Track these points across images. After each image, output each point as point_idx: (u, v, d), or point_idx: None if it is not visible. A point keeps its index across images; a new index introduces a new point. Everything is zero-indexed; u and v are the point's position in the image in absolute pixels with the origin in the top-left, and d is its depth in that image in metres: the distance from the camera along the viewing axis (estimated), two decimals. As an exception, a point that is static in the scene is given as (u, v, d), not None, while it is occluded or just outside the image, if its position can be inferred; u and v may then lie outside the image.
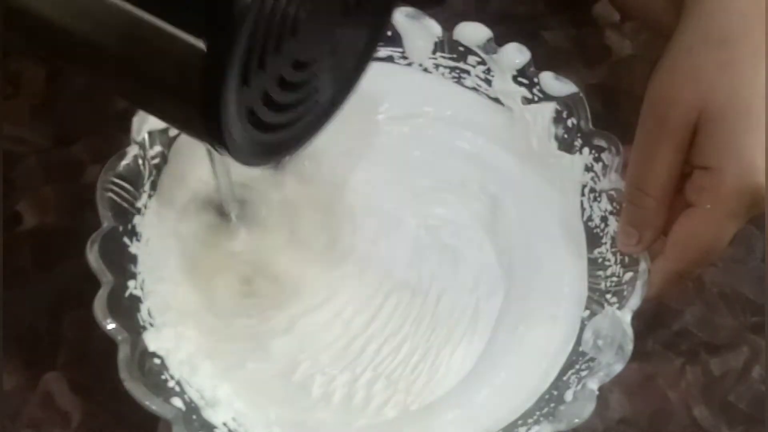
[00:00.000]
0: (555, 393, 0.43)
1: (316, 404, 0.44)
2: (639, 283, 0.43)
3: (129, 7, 0.26)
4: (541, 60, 0.49)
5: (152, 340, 0.43)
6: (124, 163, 0.45)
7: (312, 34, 0.29)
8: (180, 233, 0.47)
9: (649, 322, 0.49)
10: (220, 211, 0.47)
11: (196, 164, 0.48)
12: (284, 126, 0.31)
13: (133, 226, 0.45)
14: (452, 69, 0.51)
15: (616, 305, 0.44)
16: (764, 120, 0.39)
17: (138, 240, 0.46)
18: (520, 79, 0.49)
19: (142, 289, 0.45)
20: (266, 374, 0.45)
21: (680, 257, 0.42)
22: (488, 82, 0.50)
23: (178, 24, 0.25)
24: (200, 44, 0.25)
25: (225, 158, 0.35)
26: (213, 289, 0.46)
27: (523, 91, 0.49)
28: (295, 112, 0.31)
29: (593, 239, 0.47)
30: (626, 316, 0.42)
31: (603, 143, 0.47)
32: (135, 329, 0.42)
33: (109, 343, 0.40)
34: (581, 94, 0.48)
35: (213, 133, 0.27)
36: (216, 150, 0.29)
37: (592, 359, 0.43)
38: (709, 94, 0.40)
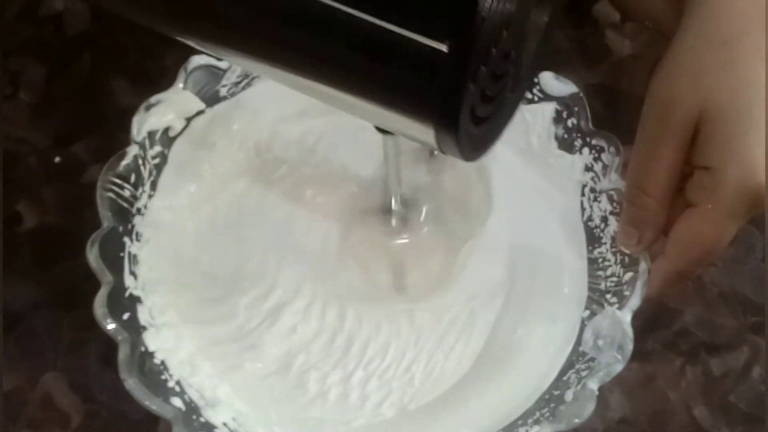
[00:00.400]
0: (555, 393, 0.43)
1: (313, 401, 0.44)
2: (639, 283, 0.43)
3: (354, 12, 0.26)
4: (541, 59, 0.48)
5: (152, 340, 0.43)
6: (124, 163, 0.45)
7: (518, 25, 0.29)
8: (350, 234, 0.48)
9: (649, 322, 0.49)
10: (384, 210, 0.47)
11: (197, 164, 0.49)
12: (491, 116, 0.30)
13: (133, 226, 0.45)
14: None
15: (616, 305, 0.44)
16: (765, 120, 0.39)
17: (138, 240, 0.46)
18: (520, 79, 0.49)
19: (142, 289, 0.45)
20: (263, 372, 0.45)
21: (680, 257, 0.42)
22: (488, 82, 0.50)
23: (420, 30, 0.25)
24: (443, 47, 0.25)
25: (397, 161, 0.38)
26: (371, 273, 0.47)
27: (523, 91, 0.49)
28: (499, 102, 0.31)
29: (593, 239, 0.47)
30: (626, 316, 0.42)
31: (603, 143, 0.47)
32: (135, 329, 0.42)
33: (109, 344, 0.41)
34: (581, 94, 0.48)
35: (450, 137, 0.27)
36: (443, 150, 0.29)
37: (592, 359, 0.43)
38: (710, 94, 0.40)
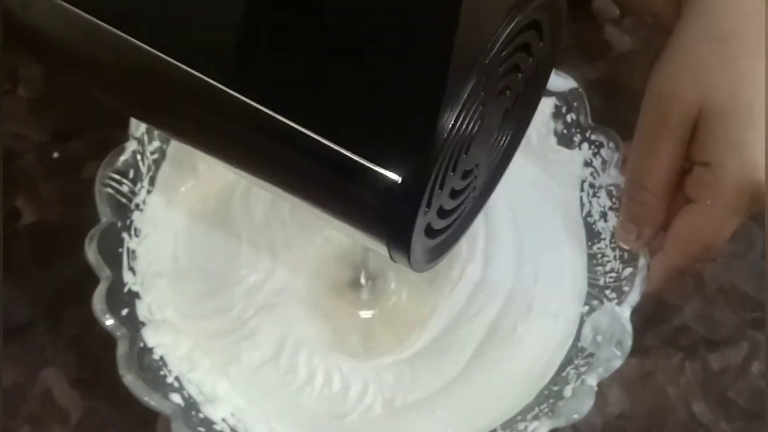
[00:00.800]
0: (554, 389, 0.43)
1: (303, 388, 0.44)
2: (638, 279, 0.43)
3: (318, 139, 0.26)
4: (541, 55, 0.49)
5: (151, 336, 0.43)
6: (122, 158, 0.45)
7: (478, 145, 0.29)
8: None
9: (648, 318, 0.49)
10: (356, 276, 0.48)
11: (195, 159, 0.48)
12: (448, 228, 0.31)
13: (132, 222, 0.45)
14: (451, 64, 0.51)
15: (615, 301, 0.44)
16: (764, 115, 0.39)
17: (137, 236, 0.46)
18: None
19: (141, 284, 0.45)
20: (259, 361, 0.45)
21: (680, 253, 0.42)
22: (487, 77, 0.50)
23: (373, 159, 0.26)
24: (396, 177, 0.26)
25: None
26: (339, 335, 0.47)
27: (523, 87, 0.49)
28: (457, 214, 0.32)
29: (592, 234, 0.47)
30: (625, 312, 0.42)
31: (602, 139, 0.47)
32: (134, 325, 0.43)
33: (108, 340, 0.41)
34: (580, 90, 0.47)
35: (401, 254, 0.28)
36: (395, 261, 0.29)
37: (591, 355, 0.43)
38: (710, 90, 0.40)
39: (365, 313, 0.48)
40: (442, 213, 0.30)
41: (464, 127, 0.26)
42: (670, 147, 0.41)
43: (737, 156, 0.39)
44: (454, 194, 0.30)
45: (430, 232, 0.29)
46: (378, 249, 0.29)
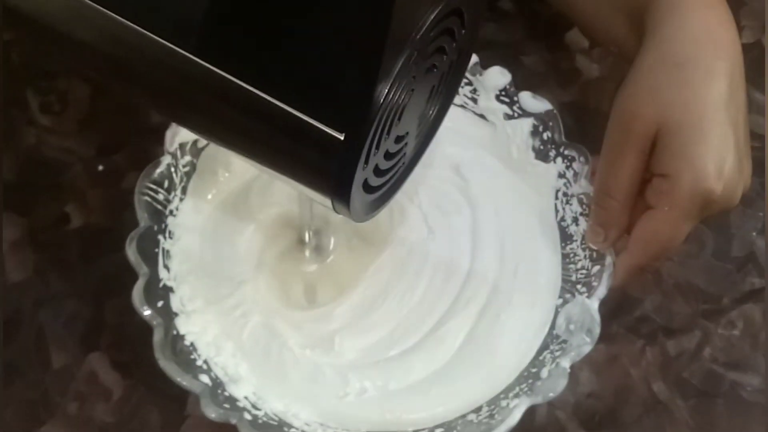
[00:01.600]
0: (532, 371, 0.43)
1: (290, 371, 0.44)
2: (605, 275, 0.43)
3: (272, 101, 0.26)
4: (520, 81, 0.49)
5: (183, 325, 0.43)
6: (158, 170, 0.45)
7: (409, 114, 0.30)
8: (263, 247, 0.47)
9: (613, 309, 0.49)
10: (300, 235, 0.47)
11: (218, 171, 0.48)
12: (383, 186, 0.32)
13: (166, 225, 0.45)
14: (443, 89, 0.51)
15: (586, 294, 0.44)
16: (714, 132, 0.39)
17: (171, 237, 0.46)
18: (502, 97, 0.49)
19: (174, 280, 0.45)
20: (271, 347, 0.45)
21: (642, 253, 0.42)
22: (474, 100, 0.50)
23: (320, 119, 0.26)
24: (338, 135, 0.26)
25: (312, 202, 0.38)
26: (286, 290, 0.47)
27: (505, 108, 0.49)
28: (391, 174, 0.32)
29: (566, 237, 0.47)
30: (594, 304, 0.42)
31: (574, 154, 0.47)
32: (168, 315, 0.43)
33: (145, 328, 0.41)
34: (555, 111, 0.48)
35: (342, 205, 0.29)
36: (337, 212, 0.30)
37: (564, 341, 0.43)
38: (666, 109, 0.40)
39: (308, 267, 0.48)
40: (378, 172, 0.30)
41: (398, 94, 0.27)
42: (632, 160, 0.41)
43: (690, 168, 0.39)
44: (388, 156, 0.30)
45: (367, 188, 0.30)
46: (323, 202, 0.29)
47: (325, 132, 0.26)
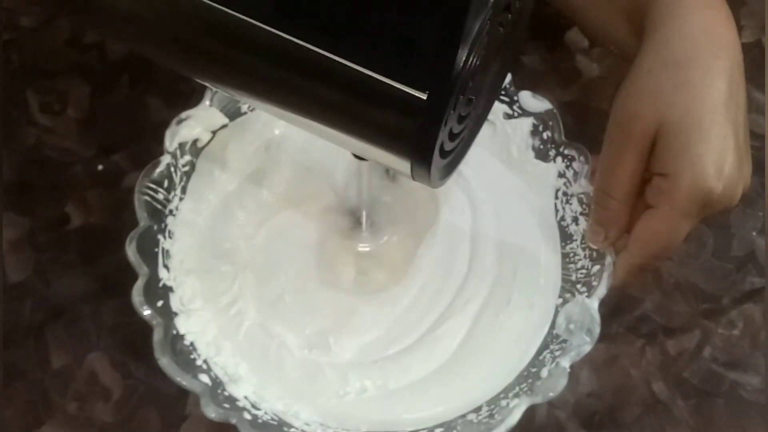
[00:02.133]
0: (532, 370, 0.43)
1: (289, 372, 0.44)
2: (605, 275, 0.43)
3: (351, 65, 0.26)
4: (521, 81, 0.49)
5: (183, 325, 0.43)
6: (158, 170, 0.45)
7: (480, 76, 0.29)
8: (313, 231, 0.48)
9: (613, 309, 0.49)
10: (354, 216, 0.47)
11: (222, 171, 0.48)
12: (453, 151, 0.31)
13: (166, 225, 0.45)
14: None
15: (585, 294, 0.44)
16: (714, 132, 0.39)
17: (170, 237, 0.46)
18: (502, 97, 0.49)
19: (174, 280, 0.45)
20: (269, 348, 0.45)
21: (642, 252, 0.42)
22: (474, 100, 0.50)
23: (401, 80, 0.26)
24: (421, 95, 0.26)
25: (367, 177, 0.39)
26: (337, 275, 0.47)
27: (505, 108, 0.49)
28: (462, 137, 0.32)
29: (566, 236, 0.47)
30: (594, 304, 0.42)
31: (574, 153, 0.47)
32: (168, 315, 0.43)
33: (145, 327, 0.41)
34: (555, 111, 0.48)
35: (423, 169, 0.28)
36: (414, 178, 0.29)
37: (564, 341, 0.43)
38: (666, 110, 0.40)
39: (363, 247, 0.48)
40: (451, 135, 0.29)
41: (476, 54, 0.26)
42: (632, 160, 0.41)
43: (690, 167, 0.39)
44: (460, 119, 0.29)
45: (442, 152, 0.29)
46: (399, 167, 0.29)
47: (408, 93, 0.26)
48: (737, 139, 0.40)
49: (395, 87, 0.26)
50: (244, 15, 0.27)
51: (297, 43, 0.26)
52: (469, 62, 0.26)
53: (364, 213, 0.47)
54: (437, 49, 0.26)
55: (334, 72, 0.26)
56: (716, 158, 0.39)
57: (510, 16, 0.30)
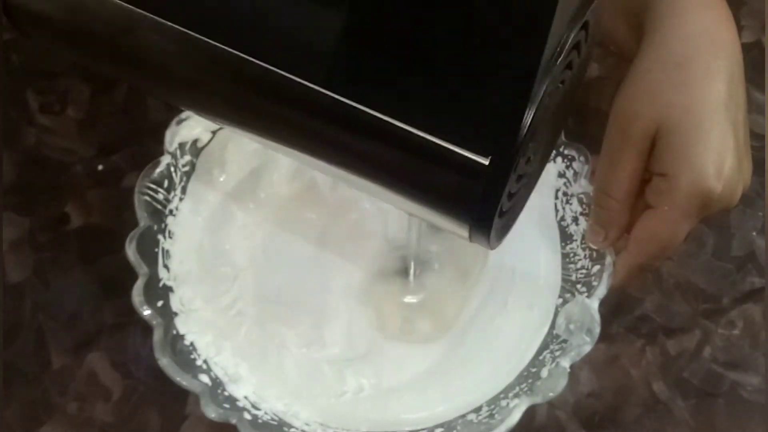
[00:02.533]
0: (532, 370, 0.43)
1: (288, 372, 0.44)
2: (605, 275, 0.43)
3: (410, 129, 0.25)
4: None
5: (183, 325, 0.43)
6: (158, 170, 0.45)
7: (541, 133, 0.29)
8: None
9: (613, 309, 0.49)
10: (405, 270, 0.47)
11: (221, 171, 0.48)
12: (512, 209, 0.31)
13: (166, 225, 0.45)
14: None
15: (585, 294, 0.44)
16: (714, 132, 0.39)
17: (170, 237, 0.46)
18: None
19: (174, 280, 0.45)
20: (269, 348, 0.45)
21: (642, 252, 0.42)
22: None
23: (463, 145, 0.25)
24: (483, 161, 0.25)
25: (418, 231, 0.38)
26: (382, 319, 0.46)
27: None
28: (518, 196, 0.31)
29: (566, 236, 0.47)
30: (594, 304, 0.42)
31: (574, 153, 0.47)
32: (168, 315, 0.43)
33: (145, 328, 0.41)
34: (555, 111, 0.47)
35: (483, 233, 0.28)
36: (472, 241, 0.29)
37: (564, 341, 0.43)
38: (666, 110, 0.40)
39: (410, 299, 0.47)
40: (509, 195, 0.29)
41: (538, 118, 0.26)
42: (632, 160, 0.41)
43: (690, 168, 0.39)
44: (518, 179, 0.29)
45: (500, 212, 0.28)
46: (456, 231, 0.28)
47: (469, 158, 0.25)
48: (737, 140, 0.40)
49: (457, 151, 0.25)
50: (301, 79, 0.26)
51: (361, 109, 0.26)
52: (534, 124, 0.25)
53: (412, 264, 0.47)
54: (503, 113, 0.25)
55: (396, 136, 0.26)
56: (716, 159, 0.39)
57: (571, 71, 0.29)
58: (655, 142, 0.40)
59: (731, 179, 0.39)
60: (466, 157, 0.25)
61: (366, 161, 0.28)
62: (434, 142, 0.25)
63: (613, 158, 0.42)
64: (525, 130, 0.25)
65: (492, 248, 0.30)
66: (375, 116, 0.26)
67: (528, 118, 0.25)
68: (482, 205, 0.26)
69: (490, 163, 0.25)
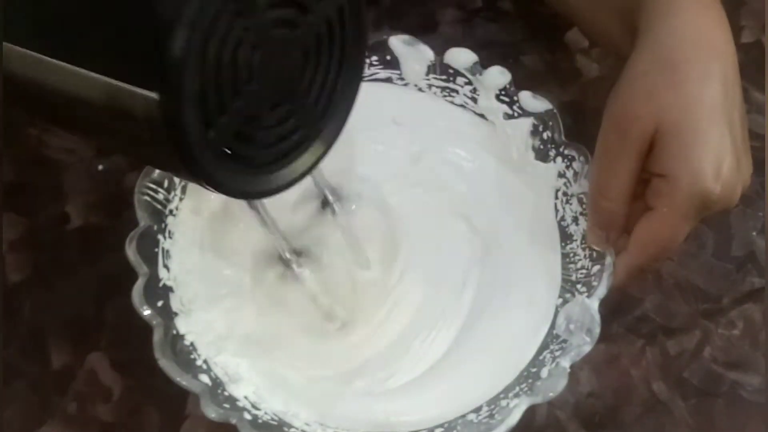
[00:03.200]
0: (532, 370, 0.43)
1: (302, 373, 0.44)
2: (605, 275, 0.43)
3: (77, 69, 0.26)
4: (520, 81, 0.49)
5: (183, 325, 0.43)
6: (158, 170, 0.45)
7: (275, 76, 0.28)
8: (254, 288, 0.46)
9: (613, 309, 0.49)
10: (285, 262, 0.46)
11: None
12: (280, 159, 0.30)
13: (166, 225, 0.45)
14: (443, 89, 0.51)
15: (586, 294, 0.44)
16: (711, 133, 0.39)
17: (170, 237, 0.46)
18: (502, 97, 0.49)
19: (174, 280, 0.45)
20: (269, 348, 0.45)
21: (641, 253, 0.42)
22: (474, 99, 0.50)
23: (129, 80, 0.25)
24: (154, 96, 0.24)
25: (263, 212, 0.36)
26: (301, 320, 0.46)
27: (505, 108, 0.49)
28: (286, 145, 0.30)
29: (565, 236, 0.47)
30: (594, 304, 0.42)
31: (574, 153, 0.47)
32: (168, 315, 0.42)
33: (145, 327, 0.41)
34: (555, 111, 0.47)
35: (197, 175, 0.27)
36: (204, 187, 0.28)
37: (564, 341, 0.43)
38: (663, 111, 0.40)
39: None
40: (258, 143, 0.28)
41: (214, 45, 0.25)
42: (630, 161, 0.41)
43: (688, 169, 0.39)
44: (263, 124, 0.28)
45: (246, 160, 0.28)
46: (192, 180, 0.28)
47: (140, 93, 0.24)
48: (734, 139, 0.40)
49: (126, 88, 0.25)
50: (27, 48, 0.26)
51: (48, 60, 0.26)
52: (194, 49, 0.24)
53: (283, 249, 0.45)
54: (150, 42, 0.24)
55: (73, 79, 0.26)
56: (714, 159, 0.39)
57: (310, 15, 0.28)
58: (654, 143, 0.40)
59: (730, 179, 0.39)
60: (137, 92, 0.24)
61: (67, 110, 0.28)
62: (106, 81, 0.25)
63: (611, 160, 0.42)
64: (179, 57, 0.24)
65: (235, 196, 0.29)
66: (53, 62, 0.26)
67: (177, 43, 0.24)
68: (174, 143, 0.25)
69: (160, 97, 0.24)
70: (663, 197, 0.40)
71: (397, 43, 0.49)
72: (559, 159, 0.47)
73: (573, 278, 0.46)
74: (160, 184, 0.45)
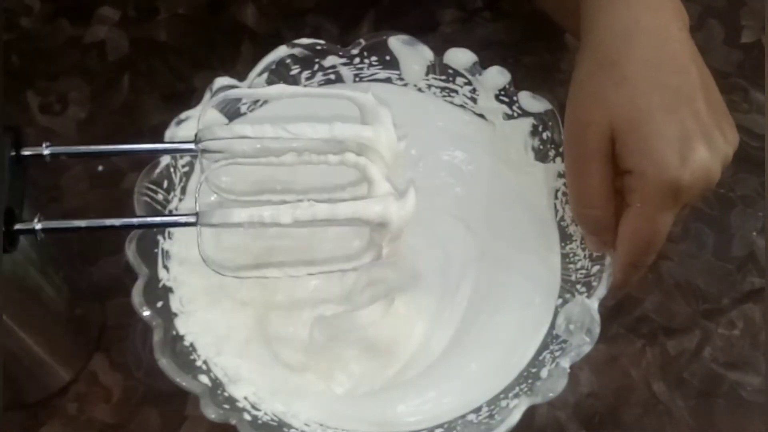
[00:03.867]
0: (532, 370, 0.43)
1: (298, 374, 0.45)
2: (605, 275, 0.43)
3: None
4: (520, 81, 0.48)
5: (183, 325, 0.43)
6: (157, 171, 0.45)
7: None
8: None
9: (613, 309, 0.49)
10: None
11: (220, 172, 0.48)
12: None
13: (166, 226, 0.45)
14: (443, 89, 0.51)
15: (585, 294, 0.44)
16: (666, 120, 0.39)
17: (170, 238, 0.45)
18: (501, 97, 0.49)
19: (173, 281, 0.45)
20: (269, 348, 0.45)
21: (629, 251, 0.41)
22: (474, 100, 0.50)
23: None
24: None
25: None
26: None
27: (504, 108, 0.49)
28: None
29: (565, 237, 0.47)
30: (594, 304, 0.42)
31: (574, 153, 0.46)
32: (168, 315, 0.42)
33: (145, 328, 0.41)
34: (555, 111, 0.47)
35: None
36: None
37: (564, 341, 0.43)
38: (614, 111, 0.39)
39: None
40: None
41: None
42: (598, 166, 0.40)
43: (651, 161, 0.38)
44: None
45: None
46: None
47: None
48: (697, 118, 0.39)
49: None
50: None
51: None
52: None
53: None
54: None
55: None
56: (676, 146, 0.38)
57: None
58: (614, 141, 0.40)
59: (700, 161, 0.38)
60: None
61: None
62: None
63: (579, 169, 0.41)
64: None
65: None
66: None
67: None
68: None
69: None
70: (635, 193, 0.40)
71: (397, 43, 0.49)
72: (558, 159, 0.47)
73: (573, 278, 0.46)
74: (159, 185, 0.45)
